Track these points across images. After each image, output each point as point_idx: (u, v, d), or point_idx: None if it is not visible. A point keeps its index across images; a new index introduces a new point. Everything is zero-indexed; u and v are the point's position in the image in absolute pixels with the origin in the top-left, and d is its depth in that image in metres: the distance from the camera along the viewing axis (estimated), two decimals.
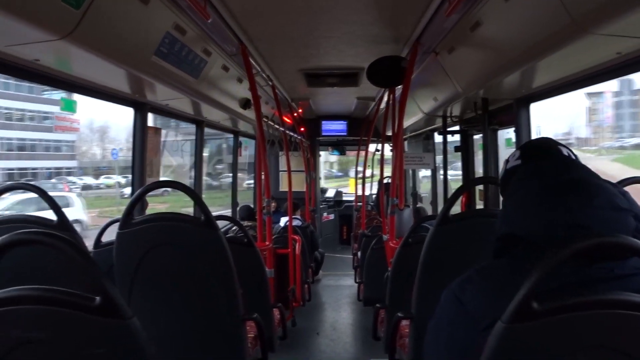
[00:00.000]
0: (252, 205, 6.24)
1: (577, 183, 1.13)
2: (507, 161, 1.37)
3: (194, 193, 2.54)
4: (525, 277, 1.02)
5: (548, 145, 1.32)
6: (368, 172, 7.77)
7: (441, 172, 5.82)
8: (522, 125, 3.61)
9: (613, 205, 1.08)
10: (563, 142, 1.34)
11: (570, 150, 1.29)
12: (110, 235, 3.19)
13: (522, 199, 1.19)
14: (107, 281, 1.19)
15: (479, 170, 5.21)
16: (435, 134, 6.73)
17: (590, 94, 23.08)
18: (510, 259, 1.18)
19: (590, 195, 1.09)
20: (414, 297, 2.35)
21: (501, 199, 1.37)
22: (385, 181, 6.17)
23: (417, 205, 5.69)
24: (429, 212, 6.16)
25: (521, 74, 2.94)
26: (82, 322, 1.17)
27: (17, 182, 2.43)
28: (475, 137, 5.23)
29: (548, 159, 1.26)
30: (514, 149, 1.38)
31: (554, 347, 1.01)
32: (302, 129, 8.12)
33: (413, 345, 2.45)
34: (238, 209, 6.21)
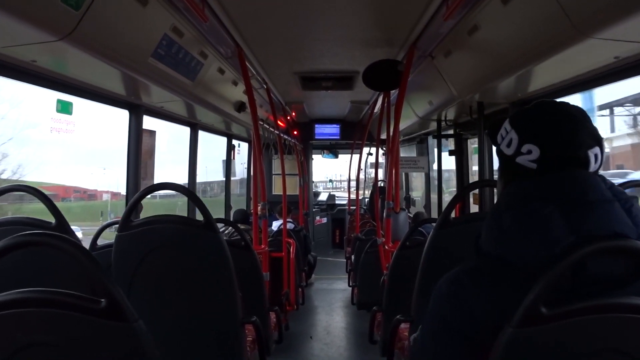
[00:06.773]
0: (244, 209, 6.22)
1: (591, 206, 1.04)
2: (501, 139, 1.21)
3: (194, 195, 2.53)
4: (518, 283, 1.03)
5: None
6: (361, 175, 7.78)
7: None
8: None
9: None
10: None
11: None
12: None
13: (529, 222, 1.07)
14: (112, 283, 1.17)
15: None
16: (429, 138, 6.76)
17: None
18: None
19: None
20: (413, 300, 2.34)
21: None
22: (379, 185, 6.16)
23: (417, 211, 5.68)
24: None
25: (517, 78, 2.95)
26: (88, 325, 1.15)
27: (15, 185, 2.39)
28: (470, 140, 5.25)
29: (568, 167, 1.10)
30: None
31: (562, 352, 1.01)
32: (295, 132, 8.11)
33: None
34: (232, 212, 6.19)
